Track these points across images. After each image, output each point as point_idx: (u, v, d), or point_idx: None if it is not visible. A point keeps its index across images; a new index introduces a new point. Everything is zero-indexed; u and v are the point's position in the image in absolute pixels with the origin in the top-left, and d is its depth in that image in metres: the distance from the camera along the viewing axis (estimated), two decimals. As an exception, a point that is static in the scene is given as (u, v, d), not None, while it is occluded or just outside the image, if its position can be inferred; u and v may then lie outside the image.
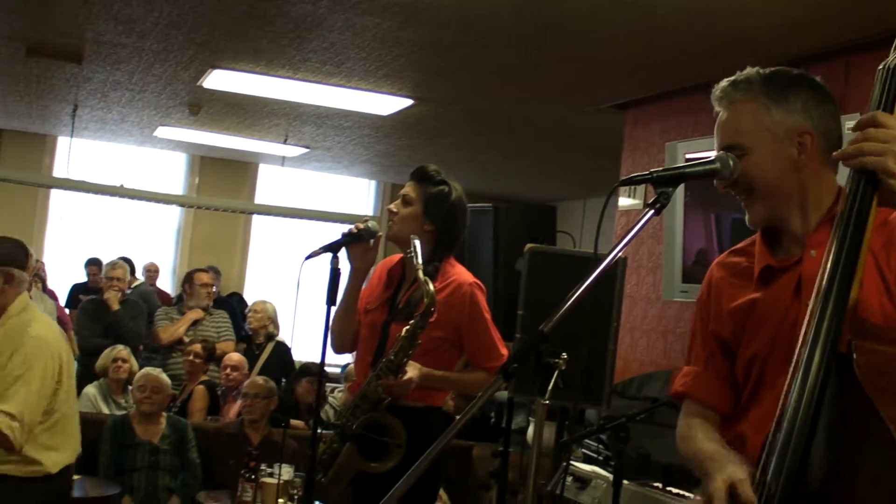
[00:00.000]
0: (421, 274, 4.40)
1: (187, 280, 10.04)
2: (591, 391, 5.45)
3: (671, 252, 7.11)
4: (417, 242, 4.50)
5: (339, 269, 4.49)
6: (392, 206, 4.83)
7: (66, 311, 11.50)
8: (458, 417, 2.72)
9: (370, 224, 4.64)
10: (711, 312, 2.89)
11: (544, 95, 8.56)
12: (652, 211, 2.54)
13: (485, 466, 7.80)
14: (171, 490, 7.34)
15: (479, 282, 4.77)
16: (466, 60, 7.67)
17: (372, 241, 4.71)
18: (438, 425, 4.57)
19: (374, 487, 3.69)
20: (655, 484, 5.06)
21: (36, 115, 12.71)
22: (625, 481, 4.86)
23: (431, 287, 4.40)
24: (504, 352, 4.69)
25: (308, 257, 4.45)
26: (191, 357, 9.04)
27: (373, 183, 16.04)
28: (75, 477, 6.59)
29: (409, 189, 4.80)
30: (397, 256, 4.91)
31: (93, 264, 13.05)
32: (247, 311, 10.61)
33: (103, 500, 6.92)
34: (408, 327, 4.46)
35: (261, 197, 15.33)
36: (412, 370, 4.49)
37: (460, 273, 4.73)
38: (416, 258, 4.45)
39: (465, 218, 4.87)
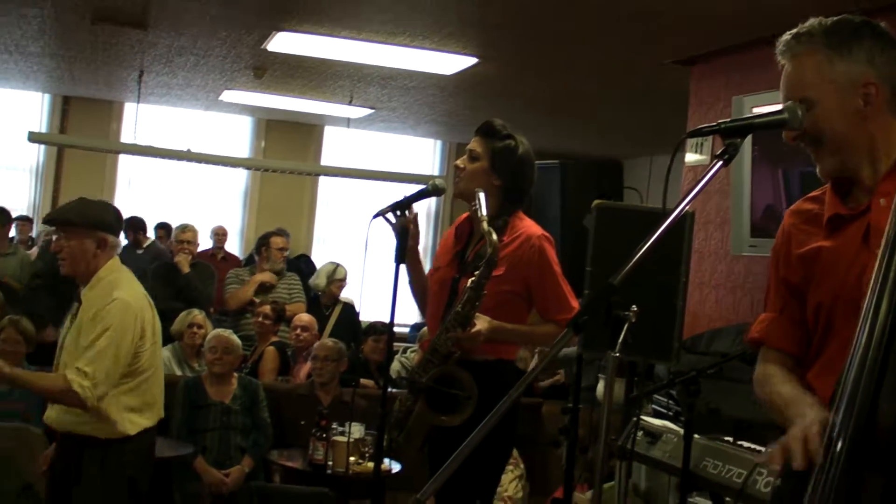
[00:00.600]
0: (485, 224, 4.40)
1: (263, 243, 10.07)
2: (660, 347, 5.44)
3: (739, 206, 7.07)
4: (482, 195, 4.51)
5: (407, 227, 4.51)
6: (459, 162, 4.82)
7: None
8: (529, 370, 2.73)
9: (437, 181, 4.64)
10: (782, 259, 2.89)
11: (610, 52, 8.51)
12: (720, 162, 2.54)
13: (554, 423, 7.81)
14: (243, 450, 7.42)
15: (547, 234, 4.74)
16: (530, 18, 7.64)
17: (412, 219, 4.70)
18: (510, 379, 4.56)
19: (449, 444, 3.67)
20: (726, 438, 5.05)
21: (102, 82, 12.81)
22: (696, 435, 4.86)
23: (495, 236, 4.39)
24: (574, 304, 4.67)
25: (376, 215, 4.47)
26: (260, 318, 9.10)
27: (438, 143, 16.02)
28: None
29: (475, 144, 4.79)
30: (466, 215, 4.91)
31: (161, 228, 13.22)
32: (334, 278, 10.51)
33: (177, 460, 7.02)
34: (473, 278, 4.46)
35: (327, 159, 15.37)
36: (481, 322, 4.48)
37: (529, 226, 4.72)
38: (480, 210, 4.45)
39: (533, 172, 4.85)
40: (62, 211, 5.32)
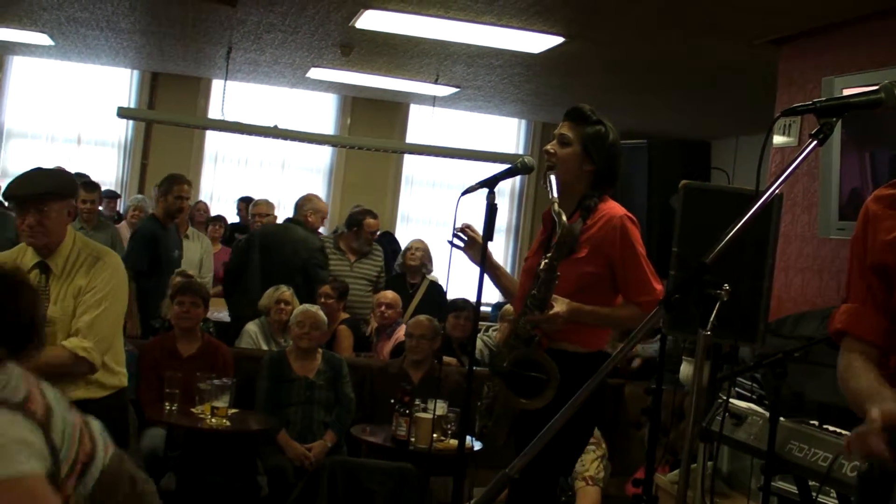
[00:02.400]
0: (556, 206, 4.41)
1: (356, 224, 10.09)
2: (745, 329, 5.40)
3: (827, 189, 6.99)
4: (553, 177, 4.53)
5: (495, 205, 4.50)
6: (549, 148, 4.78)
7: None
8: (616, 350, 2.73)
9: (526, 159, 4.64)
10: (868, 245, 2.85)
11: (698, 32, 8.44)
12: (815, 142, 2.52)
13: (636, 405, 7.80)
14: (327, 424, 7.49)
15: (631, 215, 4.71)
16: (618, -3, 7.61)
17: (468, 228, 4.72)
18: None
19: (533, 426, 3.64)
20: (812, 422, 5.01)
21: (191, 59, 12.93)
22: (781, 418, 4.83)
23: (564, 217, 4.40)
24: (658, 286, 4.63)
25: (465, 193, 4.46)
26: (322, 299, 9.09)
27: (523, 122, 15.99)
28: (233, 410, 6.74)
29: (565, 130, 4.75)
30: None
31: (242, 202, 13.41)
32: (406, 249, 10.57)
33: (261, 433, 7.10)
34: (545, 259, 4.45)
35: (412, 137, 15.39)
36: (559, 304, 4.46)
37: (612, 207, 4.69)
38: (552, 192, 4.46)
39: (621, 157, 4.84)
40: (39, 184, 4.85)
